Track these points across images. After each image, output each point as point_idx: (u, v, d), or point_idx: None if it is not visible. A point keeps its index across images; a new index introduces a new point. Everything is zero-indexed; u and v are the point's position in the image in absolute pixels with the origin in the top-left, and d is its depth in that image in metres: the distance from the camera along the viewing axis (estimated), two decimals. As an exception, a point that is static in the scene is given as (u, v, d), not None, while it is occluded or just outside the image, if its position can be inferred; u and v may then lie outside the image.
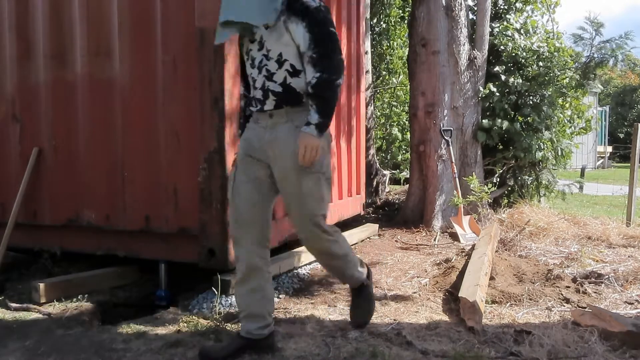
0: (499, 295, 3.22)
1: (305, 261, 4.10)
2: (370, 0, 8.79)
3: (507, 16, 6.74)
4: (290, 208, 2.45)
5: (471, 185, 5.17)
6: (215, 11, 3.12)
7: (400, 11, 10.02)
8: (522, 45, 6.32)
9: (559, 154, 6.35)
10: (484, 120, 5.99)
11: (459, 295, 3.01)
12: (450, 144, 5.69)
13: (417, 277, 3.86)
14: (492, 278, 3.45)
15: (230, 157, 3.22)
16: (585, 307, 3.02)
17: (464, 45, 5.84)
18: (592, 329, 2.62)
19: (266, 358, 2.40)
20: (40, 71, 3.74)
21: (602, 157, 21.50)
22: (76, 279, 3.52)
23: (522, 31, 6.54)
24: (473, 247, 4.26)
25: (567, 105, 6.45)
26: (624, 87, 32.88)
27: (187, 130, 3.32)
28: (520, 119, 6.08)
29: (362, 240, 5.15)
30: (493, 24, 6.51)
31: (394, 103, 10.37)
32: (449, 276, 3.69)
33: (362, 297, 2.76)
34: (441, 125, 5.75)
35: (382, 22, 10.07)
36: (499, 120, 5.93)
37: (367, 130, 6.98)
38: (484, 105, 6.05)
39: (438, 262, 4.23)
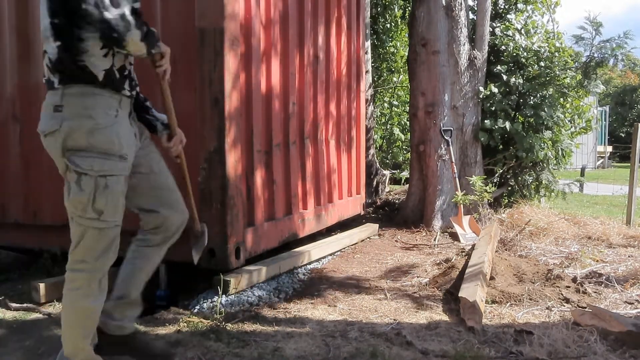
0: (499, 295, 3.22)
1: (305, 261, 4.10)
2: (372, 0, 8.79)
3: (508, 16, 6.74)
4: None
5: (476, 185, 5.18)
6: (215, 11, 3.14)
7: (402, 11, 10.04)
8: (522, 45, 6.32)
9: (560, 153, 6.35)
10: (485, 121, 5.99)
11: (459, 295, 3.00)
12: (450, 143, 5.69)
13: (417, 277, 3.86)
14: (492, 278, 3.45)
15: (230, 157, 3.22)
16: (585, 307, 3.01)
17: (464, 45, 5.84)
18: (592, 329, 2.62)
19: (267, 358, 2.40)
20: (41, 71, 3.73)
21: (602, 157, 21.49)
22: (76, 279, 3.51)
23: (522, 31, 6.54)
24: (473, 247, 4.25)
25: (568, 105, 6.45)
26: (624, 87, 32.87)
27: (187, 130, 3.30)
28: (521, 119, 6.08)
29: (362, 240, 5.15)
30: (494, 24, 6.52)
31: (395, 103, 10.37)
32: (449, 276, 3.68)
33: None
34: (441, 125, 5.76)
35: (387, 23, 10.08)
36: (500, 121, 5.94)
37: (367, 130, 6.98)
38: (485, 105, 6.05)
39: (438, 262, 4.23)
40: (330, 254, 4.54)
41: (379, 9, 9.92)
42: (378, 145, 9.82)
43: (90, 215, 1.92)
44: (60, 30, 1.85)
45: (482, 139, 5.96)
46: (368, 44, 7.61)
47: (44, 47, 1.91)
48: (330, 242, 4.65)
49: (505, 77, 6.14)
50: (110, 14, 1.77)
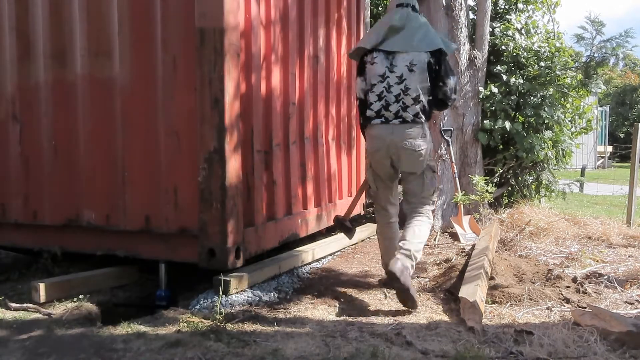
0: (499, 295, 3.22)
1: (306, 261, 4.11)
2: (372, 1, 8.79)
3: (508, 16, 6.74)
4: None
5: (478, 185, 5.17)
6: (215, 11, 3.14)
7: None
8: (523, 45, 6.32)
9: (560, 153, 6.35)
10: (485, 121, 5.98)
11: (459, 295, 3.01)
12: (450, 144, 5.68)
13: (417, 277, 3.85)
14: (492, 278, 3.45)
15: (230, 157, 3.22)
16: (585, 307, 3.01)
17: (464, 45, 5.84)
18: (592, 329, 2.62)
19: (267, 358, 2.40)
20: (40, 71, 3.74)
21: (602, 157, 21.48)
22: (76, 279, 3.52)
23: (523, 31, 6.54)
24: (473, 247, 4.25)
25: (568, 105, 6.45)
26: (624, 87, 32.84)
27: (187, 130, 3.32)
28: (522, 119, 6.08)
29: (362, 240, 5.15)
30: (494, 24, 6.51)
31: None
32: (449, 276, 3.69)
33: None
34: (441, 125, 5.75)
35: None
36: (500, 121, 5.93)
37: (368, 130, 6.97)
38: (485, 105, 6.05)
39: (438, 262, 4.23)
40: (330, 254, 4.54)
41: (379, 9, 9.91)
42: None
43: (435, 193, 3.55)
44: (431, 91, 3.26)
45: (482, 139, 5.96)
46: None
47: (420, 98, 3.23)
48: (330, 242, 4.65)
49: (505, 77, 6.13)
50: (454, 96, 3.34)
